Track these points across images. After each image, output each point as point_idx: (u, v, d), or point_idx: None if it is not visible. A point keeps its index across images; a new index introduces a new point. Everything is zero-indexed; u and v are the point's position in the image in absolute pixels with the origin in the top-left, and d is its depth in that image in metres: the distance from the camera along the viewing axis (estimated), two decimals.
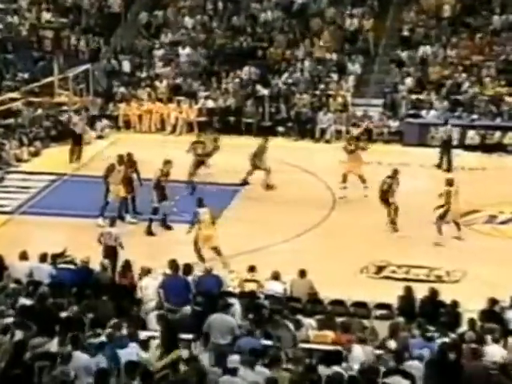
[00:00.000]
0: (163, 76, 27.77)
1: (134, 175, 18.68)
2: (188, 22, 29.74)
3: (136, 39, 29.75)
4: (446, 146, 22.88)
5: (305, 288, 13.61)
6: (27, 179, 21.43)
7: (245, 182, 20.41)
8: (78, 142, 22.86)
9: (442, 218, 17.02)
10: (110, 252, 15.08)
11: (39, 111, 25.87)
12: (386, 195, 17.90)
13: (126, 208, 18.35)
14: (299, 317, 12.27)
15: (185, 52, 28.64)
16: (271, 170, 20.38)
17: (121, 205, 18.26)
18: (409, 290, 13.27)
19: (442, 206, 17.09)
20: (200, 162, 20.63)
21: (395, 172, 18.23)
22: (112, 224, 15.67)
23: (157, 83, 27.40)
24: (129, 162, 18.76)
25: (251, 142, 23.70)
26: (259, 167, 20.39)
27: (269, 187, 20.31)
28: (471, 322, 11.90)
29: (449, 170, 22.23)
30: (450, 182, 17.35)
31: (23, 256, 14.07)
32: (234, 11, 29.79)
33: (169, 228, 17.70)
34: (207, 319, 11.62)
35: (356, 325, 12.15)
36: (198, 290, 13.22)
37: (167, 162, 18.09)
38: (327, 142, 25.38)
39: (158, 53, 28.89)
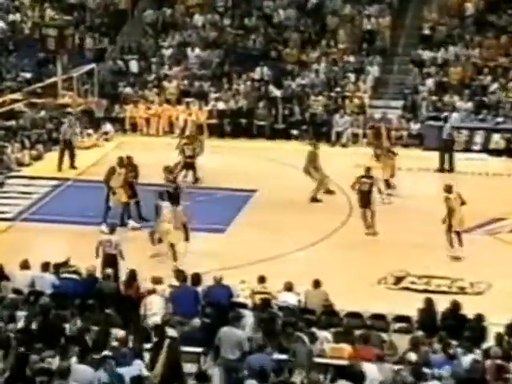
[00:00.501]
0: (172, 77, 27.78)
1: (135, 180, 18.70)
2: (198, 20, 29.78)
3: (143, 38, 29.82)
4: (447, 147, 22.72)
5: (319, 299, 13.53)
6: (29, 184, 21.46)
7: (315, 199, 19.84)
8: (66, 148, 22.66)
9: (449, 229, 16.72)
10: (110, 261, 15.01)
11: (42, 113, 25.94)
12: (367, 197, 17.74)
13: (128, 214, 18.34)
14: (314, 329, 12.20)
15: (194, 52, 28.69)
16: (325, 183, 20.01)
17: (123, 211, 18.28)
18: (429, 302, 13.16)
19: (448, 216, 16.73)
20: (189, 165, 20.57)
21: (368, 170, 18.22)
22: (112, 231, 15.63)
23: (165, 84, 27.41)
24: (129, 165, 18.76)
25: (263, 146, 23.73)
26: (312, 177, 19.99)
27: (314, 200, 19.82)
28: (499, 336, 11.75)
29: (451, 170, 22.06)
30: (448, 189, 16.98)
31: (24, 265, 14.08)
32: (245, 9, 29.80)
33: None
34: (218, 332, 11.56)
35: (374, 338, 12.06)
36: (207, 300, 13.18)
37: (167, 169, 18.10)
38: (343, 145, 25.33)
39: (167, 53, 28.94)
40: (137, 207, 18.54)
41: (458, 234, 16.72)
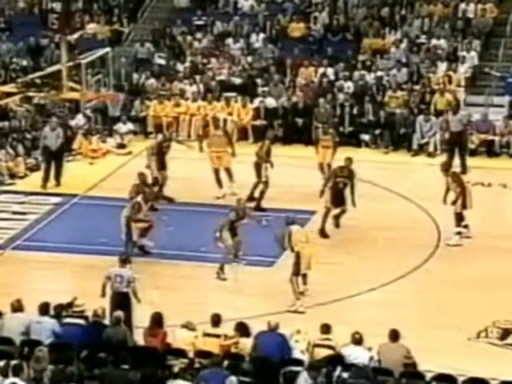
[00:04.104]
0: (210, 68, 27.98)
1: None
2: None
3: (172, 16, 30.07)
4: (456, 141, 22.92)
5: (398, 356, 13.43)
6: (23, 202, 21.66)
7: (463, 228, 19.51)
8: (52, 159, 22.57)
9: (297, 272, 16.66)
10: (121, 301, 15.11)
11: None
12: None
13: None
14: None
15: (238, 38, 28.95)
16: None
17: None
18: None
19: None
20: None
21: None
22: (123, 262, 15.67)
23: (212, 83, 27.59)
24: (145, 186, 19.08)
25: None
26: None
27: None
28: None
29: (464, 171, 22.12)
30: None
31: (17, 306, 14.15)
32: None
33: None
34: None
35: None
36: (255, 352, 13.31)
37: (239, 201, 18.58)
38: (430, 155, 25.19)
39: (202, 42, 29.19)
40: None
41: (304, 277, 16.78)
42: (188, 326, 13.91)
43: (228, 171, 21.60)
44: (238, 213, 18.09)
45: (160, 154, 21.17)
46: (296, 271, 16.64)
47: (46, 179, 22.51)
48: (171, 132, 23.96)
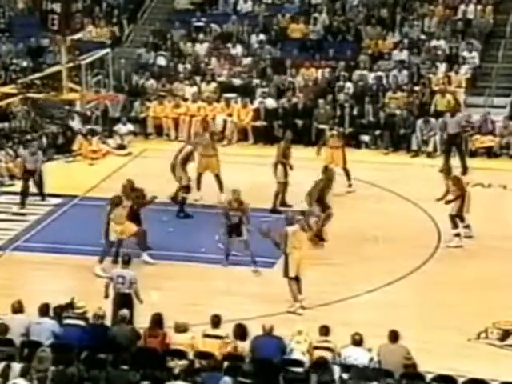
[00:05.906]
0: (213, 74, 27.95)
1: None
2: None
3: (171, 18, 30.06)
4: (453, 142, 22.96)
5: (398, 357, 13.39)
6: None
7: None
8: (27, 179, 21.72)
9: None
10: (123, 302, 15.11)
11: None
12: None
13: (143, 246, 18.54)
14: None
15: (238, 40, 28.92)
16: None
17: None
18: None
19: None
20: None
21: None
22: (125, 263, 15.71)
23: (203, 86, 27.49)
24: (133, 191, 18.88)
25: (324, 155, 23.63)
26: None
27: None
28: None
29: (464, 172, 22.12)
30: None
31: (17, 308, 14.15)
32: None
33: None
34: None
35: None
36: (253, 355, 13.24)
37: (235, 192, 18.49)
38: (429, 155, 25.20)
39: (202, 36, 29.19)
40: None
41: (297, 280, 16.65)
42: (179, 329, 13.78)
43: (218, 178, 21.32)
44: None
45: (186, 162, 20.87)
46: (285, 273, 16.59)
47: (23, 199, 21.56)
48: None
